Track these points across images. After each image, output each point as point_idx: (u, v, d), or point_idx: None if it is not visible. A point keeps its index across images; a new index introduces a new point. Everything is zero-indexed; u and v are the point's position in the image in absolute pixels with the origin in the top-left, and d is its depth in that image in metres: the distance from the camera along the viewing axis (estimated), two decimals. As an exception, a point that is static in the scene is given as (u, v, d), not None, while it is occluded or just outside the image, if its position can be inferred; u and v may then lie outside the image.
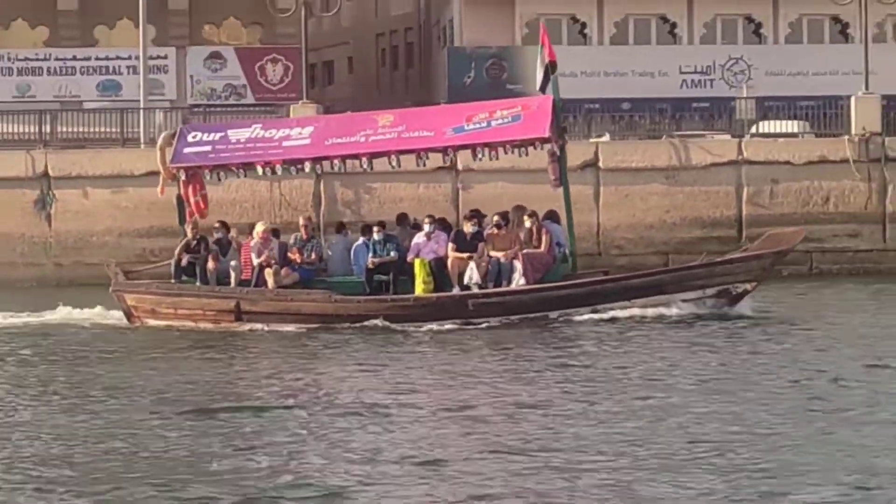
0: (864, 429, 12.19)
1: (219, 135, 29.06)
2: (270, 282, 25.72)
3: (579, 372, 18.30)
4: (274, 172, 29.35)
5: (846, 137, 39.84)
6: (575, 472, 10.56)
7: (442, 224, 27.11)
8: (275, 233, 27.42)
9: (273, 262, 26.27)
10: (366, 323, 24.72)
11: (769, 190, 38.38)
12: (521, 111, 27.52)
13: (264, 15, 53.85)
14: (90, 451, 12.28)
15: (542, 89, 27.97)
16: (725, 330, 23.24)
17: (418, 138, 27.50)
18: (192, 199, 27.56)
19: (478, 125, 27.54)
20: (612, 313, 24.53)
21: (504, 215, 26.89)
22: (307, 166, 29.23)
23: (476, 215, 27.23)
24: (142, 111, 45.08)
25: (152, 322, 26.42)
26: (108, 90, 51.43)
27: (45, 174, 40.05)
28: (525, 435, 12.78)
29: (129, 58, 51.31)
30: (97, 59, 52.77)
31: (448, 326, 24.36)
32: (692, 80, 53.40)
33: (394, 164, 28.97)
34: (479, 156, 29.32)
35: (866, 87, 41.90)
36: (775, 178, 38.39)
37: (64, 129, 46.44)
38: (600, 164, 36.39)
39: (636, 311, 24.68)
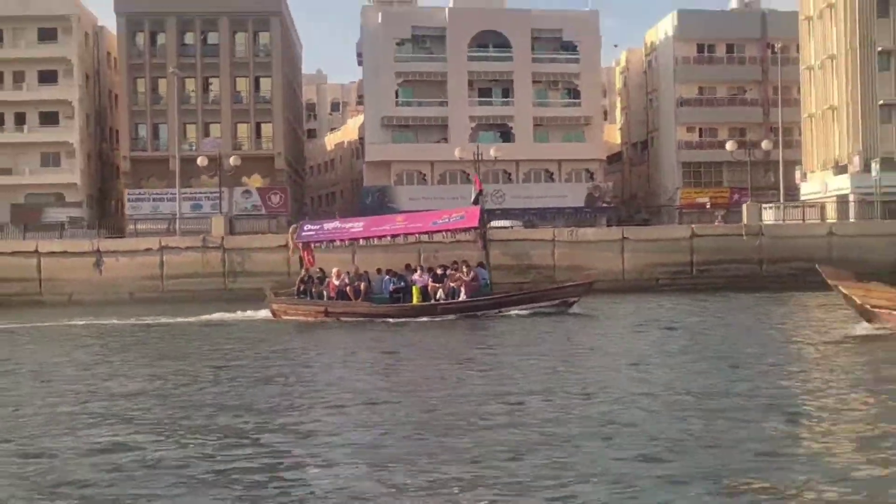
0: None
1: (319, 226, 32.66)
2: (357, 298, 28.53)
3: (489, 339, 22.24)
4: (346, 244, 32.39)
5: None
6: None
7: (428, 270, 29.55)
8: (348, 274, 29.60)
9: (346, 285, 28.98)
10: (388, 319, 27.45)
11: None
12: (464, 214, 29.95)
13: (272, 172, 64.13)
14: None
15: (475, 203, 30.63)
16: (562, 321, 26.44)
17: (416, 228, 30.69)
18: (306, 258, 30.74)
19: (445, 220, 30.03)
20: (508, 312, 27.83)
21: (456, 264, 29.46)
22: (361, 242, 32.40)
23: (444, 265, 29.92)
24: (178, 218, 50.57)
25: (285, 318, 29.23)
26: (196, 208, 58.55)
27: (98, 250, 43.00)
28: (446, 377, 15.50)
29: (207, 193, 59.65)
30: (192, 194, 59.90)
31: (427, 319, 27.04)
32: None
33: (400, 241, 33.40)
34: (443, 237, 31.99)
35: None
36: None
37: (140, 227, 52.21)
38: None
39: (520, 311, 27.90)
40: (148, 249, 43.12)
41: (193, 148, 61.36)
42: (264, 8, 64.40)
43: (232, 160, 49.62)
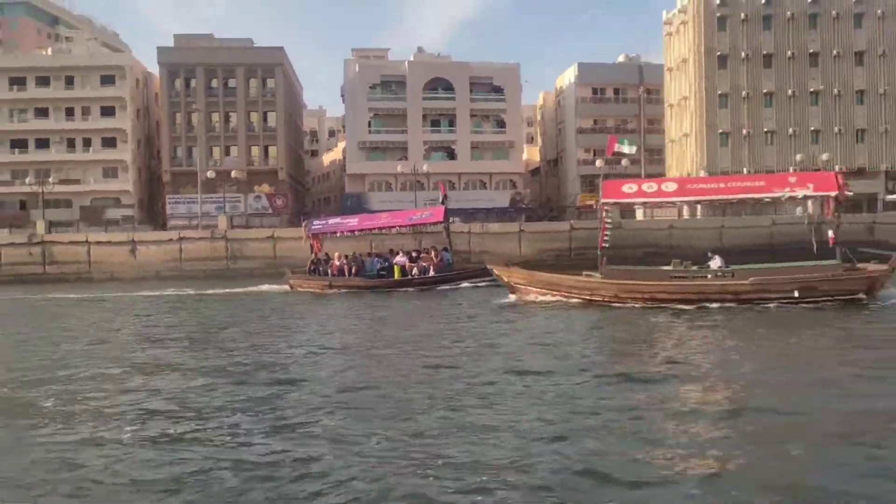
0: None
1: (325, 221, 32.21)
2: (352, 275, 28.37)
3: (443, 304, 21.89)
4: (345, 235, 30.96)
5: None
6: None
7: (406, 253, 29.19)
8: (346, 257, 29.23)
9: (345, 265, 28.61)
10: (375, 290, 27.01)
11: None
12: (432, 212, 30.00)
13: (276, 182, 62.75)
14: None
15: (442, 203, 30.44)
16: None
17: (397, 222, 30.88)
18: (314, 245, 30.07)
19: (419, 217, 30.26)
20: (463, 284, 27.34)
21: (427, 249, 29.92)
22: (357, 234, 31.07)
23: (417, 250, 30.13)
24: (200, 216, 48.11)
25: (299, 289, 28.58)
26: (219, 210, 54.21)
27: (133, 240, 43.00)
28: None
29: (228, 198, 57.54)
30: (216, 198, 57.14)
31: (405, 290, 26.75)
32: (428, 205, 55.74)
33: (385, 232, 32.63)
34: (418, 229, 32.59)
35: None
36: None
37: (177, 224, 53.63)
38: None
39: (467, 284, 27.31)
40: (170, 239, 43.56)
41: (218, 164, 61.56)
42: (270, 61, 64.56)
43: (234, 174, 50.32)
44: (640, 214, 52.64)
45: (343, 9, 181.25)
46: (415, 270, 28.05)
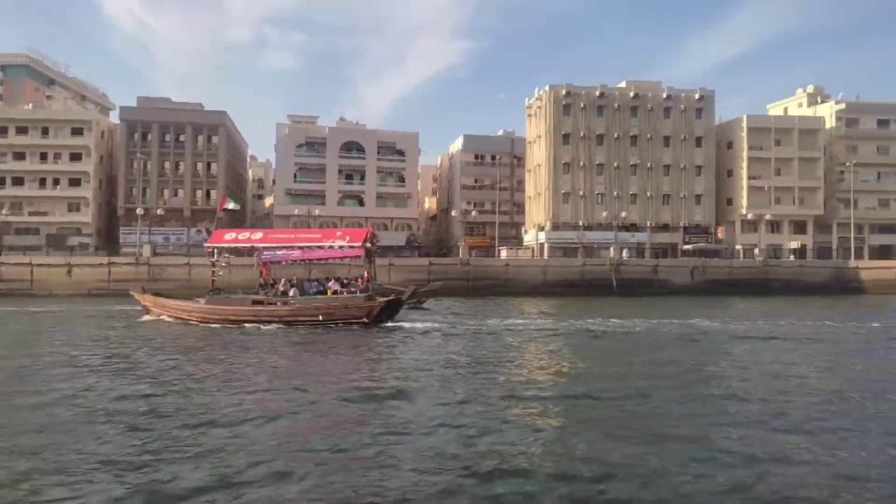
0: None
1: (272, 252, 27.73)
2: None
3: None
4: (289, 264, 28.56)
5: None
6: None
7: (336, 279, 26.64)
8: (290, 282, 26.01)
9: (288, 288, 24.89)
10: None
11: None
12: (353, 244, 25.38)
13: (215, 220, 66.03)
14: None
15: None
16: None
17: (326, 255, 26.97)
18: (263, 271, 27.04)
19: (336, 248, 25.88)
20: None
21: (355, 278, 26.76)
22: (301, 262, 28.93)
23: (348, 278, 27.49)
24: (139, 246, 57.14)
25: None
26: (165, 240, 57.99)
27: (69, 263, 41.35)
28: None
29: (173, 231, 60.68)
30: (163, 231, 59.78)
31: None
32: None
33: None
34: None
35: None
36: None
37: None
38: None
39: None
40: (101, 263, 43.36)
41: (166, 204, 62.81)
42: (214, 122, 65.92)
43: (159, 211, 50.35)
44: (504, 254, 54.72)
45: (317, 91, 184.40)
46: (345, 293, 26.94)
